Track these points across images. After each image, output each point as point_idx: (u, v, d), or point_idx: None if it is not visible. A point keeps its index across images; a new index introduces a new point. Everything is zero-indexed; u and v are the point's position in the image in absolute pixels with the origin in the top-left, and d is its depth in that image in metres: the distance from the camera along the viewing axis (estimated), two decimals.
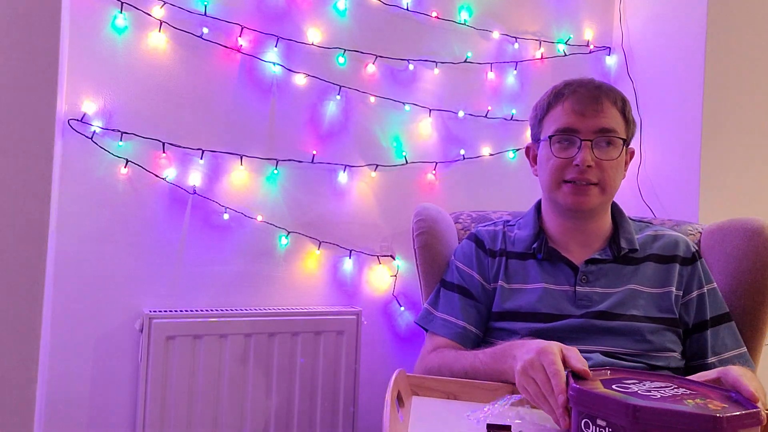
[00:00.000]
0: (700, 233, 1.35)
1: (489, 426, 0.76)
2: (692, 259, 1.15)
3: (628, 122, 1.14)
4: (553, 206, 1.17)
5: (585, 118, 1.09)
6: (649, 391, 0.72)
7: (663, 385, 0.75)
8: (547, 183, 1.14)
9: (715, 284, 1.15)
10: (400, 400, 0.85)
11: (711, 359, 1.08)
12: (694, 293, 1.12)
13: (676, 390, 0.73)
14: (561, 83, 1.16)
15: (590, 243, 1.16)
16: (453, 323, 1.17)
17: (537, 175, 1.20)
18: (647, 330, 1.07)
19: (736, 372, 0.78)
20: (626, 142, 1.14)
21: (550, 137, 1.12)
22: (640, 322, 1.08)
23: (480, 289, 1.19)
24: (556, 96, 1.14)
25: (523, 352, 0.88)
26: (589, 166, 1.08)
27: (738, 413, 0.64)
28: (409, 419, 0.83)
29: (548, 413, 0.80)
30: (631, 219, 1.21)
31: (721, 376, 0.81)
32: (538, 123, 1.18)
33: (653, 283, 1.12)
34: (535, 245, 1.17)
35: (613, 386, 0.73)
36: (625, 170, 1.17)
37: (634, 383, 0.75)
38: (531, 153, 1.23)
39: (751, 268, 1.20)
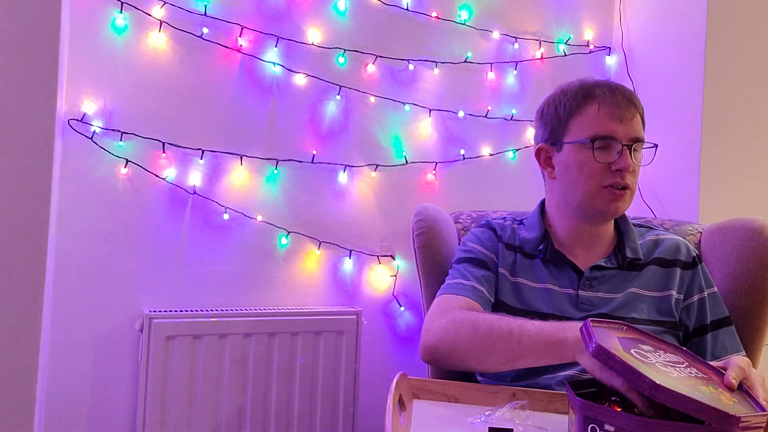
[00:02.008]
0: (700, 233, 1.35)
1: (491, 429, 0.76)
2: (693, 263, 1.14)
3: (644, 125, 1.13)
4: (581, 209, 1.12)
5: (622, 124, 1.07)
6: (665, 366, 0.70)
7: (676, 360, 0.74)
8: (583, 188, 1.09)
9: (715, 288, 1.15)
10: (401, 404, 0.85)
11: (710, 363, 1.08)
12: (695, 297, 1.12)
13: (689, 370, 0.72)
14: (585, 83, 1.11)
15: (595, 247, 1.16)
16: (470, 285, 1.11)
17: (554, 178, 1.15)
18: (647, 331, 1.07)
19: (733, 360, 0.79)
20: None
21: (591, 140, 1.07)
22: (640, 325, 1.08)
23: (491, 263, 1.16)
24: (586, 96, 1.09)
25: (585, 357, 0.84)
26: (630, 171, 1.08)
27: (750, 415, 0.64)
28: (411, 422, 0.83)
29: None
30: (633, 224, 1.21)
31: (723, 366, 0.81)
32: (561, 124, 1.12)
33: (654, 286, 1.12)
34: (541, 247, 1.16)
35: (632, 351, 0.71)
36: None
37: (650, 352, 0.73)
38: (544, 156, 1.17)
39: (751, 268, 1.20)
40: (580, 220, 1.14)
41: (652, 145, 1.13)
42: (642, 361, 0.69)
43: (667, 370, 0.69)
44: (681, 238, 1.19)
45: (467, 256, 1.18)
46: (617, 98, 1.08)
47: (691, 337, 1.11)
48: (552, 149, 1.14)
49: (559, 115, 1.12)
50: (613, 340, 0.72)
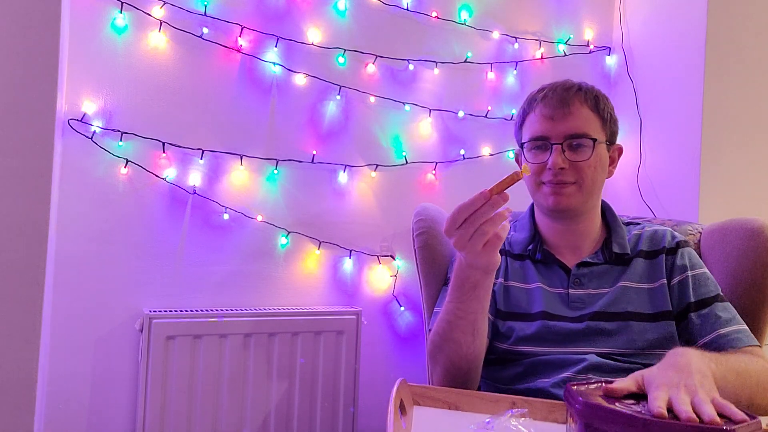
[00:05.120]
0: (700, 233, 1.35)
1: None
2: (675, 247, 1.14)
3: (605, 120, 1.14)
4: (539, 209, 1.19)
5: (554, 122, 1.11)
6: None
7: None
8: (528, 186, 1.16)
9: (703, 270, 1.12)
10: (402, 409, 0.85)
11: (701, 341, 1.05)
12: (676, 279, 1.11)
13: None
14: (536, 89, 1.18)
15: (581, 245, 1.16)
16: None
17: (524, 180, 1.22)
18: (642, 326, 1.07)
19: (645, 375, 0.78)
20: (609, 140, 1.14)
21: (522, 144, 1.16)
22: (634, 320, 1.08)
23: None
24: (530, 103, 1.17)
25: (458, 261, 0.94)
26: (562, 168, 1.09)
27: (744, 424, 0.64)
28: (411, 429, 0.83)
29: (480, 236, 0.86)
30: (623, 222, 1.21)
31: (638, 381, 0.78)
32: (518, 131, 1.21)
33: (644, 278, 1.12)
34: (530, 247, 1.18)
35: (616, 404, 0.73)
36: (613, 168, 1.17)
37: (633, 404, 0.75)
38: (519, 159, 1.24)
39: (751, 267, 1.20)
40: (550, 218, 1.17)
41: (592, 139, 1.11)
42: (628, 409, 0.71)
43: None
44: (665, 228, 1.20)
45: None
46: (549, 99, 1.13)
47: (680, 321, 1.09)
48: (521, 152, 1.22)
49: (517, 122, 1.21)
50: (596, 398, 0.74)
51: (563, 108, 1.11)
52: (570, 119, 1.10)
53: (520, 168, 1.22)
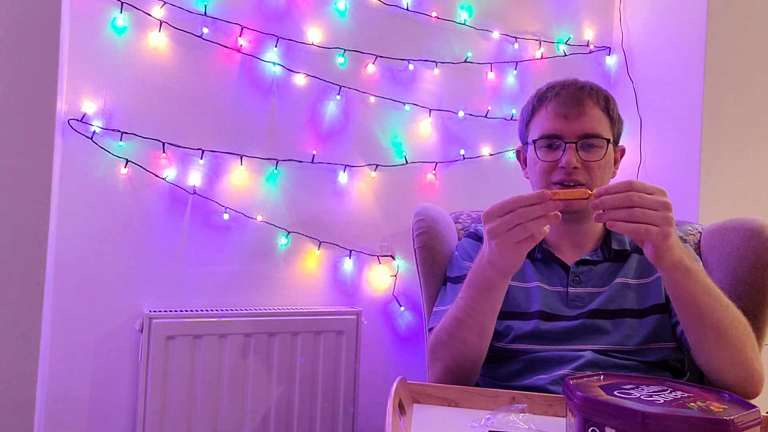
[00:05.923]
0: (700, 233, 1.35)
1: None
2: None
3: (614, 120, 1.14)
4: None
5: (568, 121, 1.10)
6: (651, 396, 0.72)
7: (659, 389, 0.77)
8: (537, 186, 1.15)
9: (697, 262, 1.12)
10: (401, 408, 0.85)
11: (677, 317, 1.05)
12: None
13: (675, 394, 0.74)
14: (545, 86, 1.17)
15: (582, 244, 1.16)
16: (444, 310, 1.13)
17: (527, 178, 1.22)
18: (639, 322, 1.07)
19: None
20: (615, 141, 1.15)
21: (534, 141, 1.14)
22: (631, 317, 1.08)
23: None
24: (540, 99, 1.15)
25: (484, 252, 0.93)
26: (575, 168, 1.09)
27: (743, 414, 0.64)
28: (411, 427, 0.83)
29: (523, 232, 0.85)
30: None
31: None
32: (524, 127, 1.20)
33: (640, 273, 1.12)
34: None
35: (615, 392, 0.73)
36: (616, 168, 1.18)
37: (632, 388, 0.76)
38: (521, 156, 1.24)
39: (751, 267, 1.19)
40: None
41: (605, 139, 1.11)
42: (627, 398, 0.71)
43: (653, 399, 0.72)
44: None
45: (453, 275, 1.22)
46: (563, 98, 1.12)
47: (668, 306, 1.09)
48: (523, 149, 1.22)
49: (523, 118, 1.21)
50: (595, 389, 0.75)
51: (578, 107, 1.10)
52: (585, 119, 1.10)
53: (521, 165, 1.23)
